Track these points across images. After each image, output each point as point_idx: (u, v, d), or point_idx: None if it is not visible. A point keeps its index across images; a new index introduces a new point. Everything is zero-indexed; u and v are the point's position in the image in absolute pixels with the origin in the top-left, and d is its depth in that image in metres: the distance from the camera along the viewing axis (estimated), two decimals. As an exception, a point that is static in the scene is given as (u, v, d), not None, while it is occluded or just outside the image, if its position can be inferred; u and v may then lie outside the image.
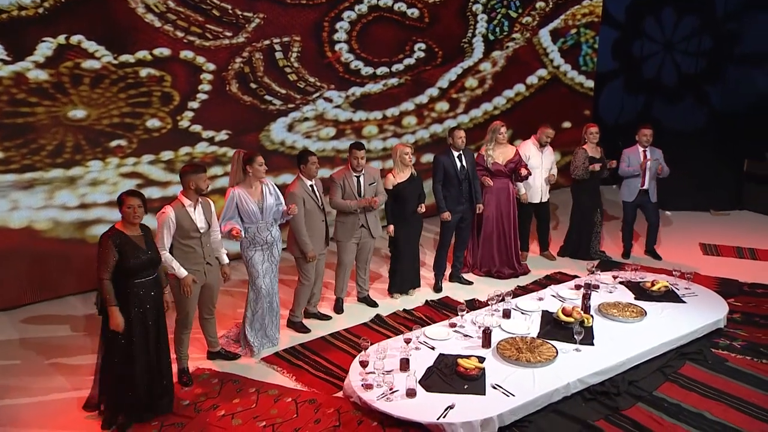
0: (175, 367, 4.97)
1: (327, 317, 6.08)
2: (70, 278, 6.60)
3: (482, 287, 6.73)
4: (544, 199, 7.38)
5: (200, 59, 7.00)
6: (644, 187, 7.28)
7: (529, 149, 7.25)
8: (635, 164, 7.24)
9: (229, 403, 4.68)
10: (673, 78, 11.48)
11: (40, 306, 6.44)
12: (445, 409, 4.29)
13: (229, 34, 7.13)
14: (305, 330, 5.82)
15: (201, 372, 5.12)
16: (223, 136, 7.28)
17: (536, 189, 7.29)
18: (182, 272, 4.72)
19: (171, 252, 4.76)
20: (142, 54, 6.62)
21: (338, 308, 6.25)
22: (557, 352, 4.96)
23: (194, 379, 4.99)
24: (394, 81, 8.49)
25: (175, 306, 4.91)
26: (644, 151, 7.24)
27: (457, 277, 6.94)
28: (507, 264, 7.08)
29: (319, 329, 5.84)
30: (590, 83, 10.67)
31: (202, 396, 4.78)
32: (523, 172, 6.88)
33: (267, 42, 7.40)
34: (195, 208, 4.79)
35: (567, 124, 10.39)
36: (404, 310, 6.24)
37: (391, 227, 6.20)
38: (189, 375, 5.00)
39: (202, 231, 4.81)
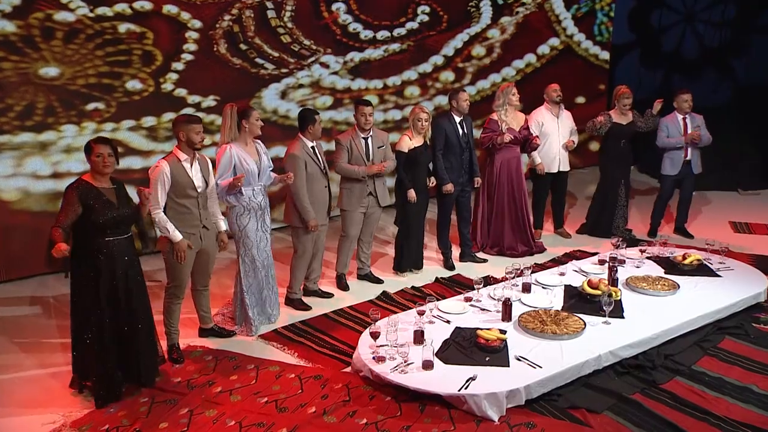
0: (164, 344, 4.90)
1: (329, 294, 6.02)
2: (42, 256, 6.48)
3: (495, 266, 6.70)
4: (563, 169, 7.34)
5: (185, 15, 6.93)
6: (688, 158, 7.24)
7: (542, 115, 7.23)
8: (675, 134, 7.19)
9: (226, 379, 4.61)
10: (695, 50, 11.54)
11: (7, 286, 6.32)
12: (467, 381, 4.25)
13: (216, -12, 7.08)
14: (305, 307, 5.76)
15: (193, 349, 5.05)
16: (210, 101, 7.20)
17: (553, 157, 7.26)
18: (177, 235, 4.63)
19: (165, 212, 4.67)
20: (121, 7, 6.54)
21: (342, 285, 6.19)
22: (585, 325, 4.94)
23: (186, 356, 4.92)
24: (395, 47, 8.46)
25: (167, 273, 4.85)
26: (684, 119, 7.21)
27: (469, 255, 6.89)
28: (521, 241, 7.05)
29: (320, 307, 5.78)
30: (605, 55, 10.69)
31: (196, 373, 4.70)
32: (536, 141, 6.88)
33: (258, -2, 7.35)
34: (192, 165, 4.71)
35: (581, 99, 10.39)
36: (413, 287, 6.20)
37: (412, 192, 6.13)
38: (180, 351, 4.92)
39: (199, 190, 4.74)
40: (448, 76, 9.02)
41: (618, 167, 7.39)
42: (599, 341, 4.77)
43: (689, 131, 7.14)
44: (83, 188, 4.15)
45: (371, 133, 5.94)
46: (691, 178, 7.40)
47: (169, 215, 4.65)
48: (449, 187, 6.43)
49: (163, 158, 4.69)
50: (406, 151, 6.12)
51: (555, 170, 7.29)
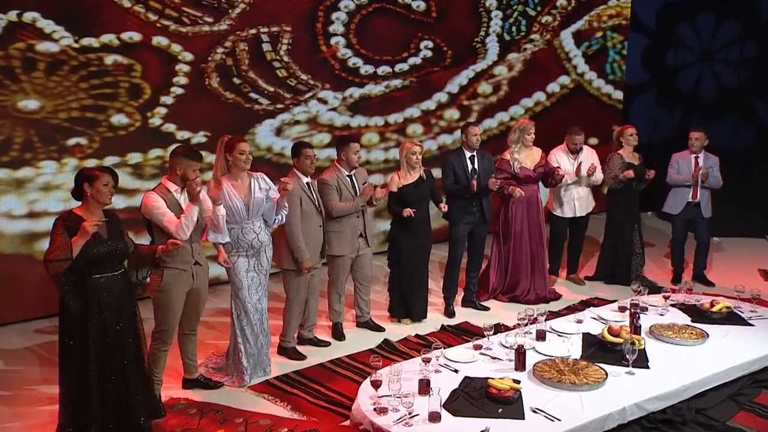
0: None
1: (325, 343, 5.91)
2: (14, 303, 6.36)
3: (505, 313, 6.58)
4: (581, 213, 7.30)
5: (176, 47, 6.98)
6: (695, 200, 7.23)
7: (559, 156, 7.19)
8: (685, 171, 7.21)
9: (211, 433, 4.46)
10: (713, 91, 11.62)
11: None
12: (479, 434, 4.10)
13: (209, 19, 7.14)
14: (300, 357, 5.64)
15: (175, 401, 4.90)
16: (200, 138, 7.19)
17: (569, 202, 7.22)
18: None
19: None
20: (108, 38, 6.59)
21: (338, 335, 6.07)
22: (607, 375, 4.81)
23: (167, 409, 4.77)
24: (397, 83, 8.52)
25: (155, 316, 4.74)
26: (696, 158, 7.22)
27: (470, 301, 6.81)
28: (536, 287, 6.97)
29: (316, 356, 5.66)
30: (619, 94, 10.77)
31: (178, 427, 4.56)
32: (559, 172, 6.80)
33: (253, 31, 7.41)
34: (181, 195, 4.67)
35: (593, 140, 10.37)
36: (416, 335, 6.09)
37: (408, 209, 6.02)
38: (161, 404, 4.76)
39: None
40: (452, 113, 9.05)
41: (629, 210, 7.34)
42: (623, 393, 4.63)
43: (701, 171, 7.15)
44: (70, 220, 4.07)
45: (354, 171, 5.93)
46: (704, 223, 7.36)
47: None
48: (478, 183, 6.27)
49: (151, 191, 4.64)
50: (395, 190, 6.12)
51: (571, 215, 7.25)
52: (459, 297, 6.84)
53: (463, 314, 6.62)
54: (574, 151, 7.19)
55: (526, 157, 6.83)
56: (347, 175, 5.90)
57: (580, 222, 7.37)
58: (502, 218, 6.89)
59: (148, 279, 4.56)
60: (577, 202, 7.24)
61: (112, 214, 4.31)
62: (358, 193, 5.91)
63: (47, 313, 6.12)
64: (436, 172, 8.25)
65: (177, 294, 4.69)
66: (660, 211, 9.92)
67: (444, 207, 6.24)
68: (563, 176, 6.89)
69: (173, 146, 6.96)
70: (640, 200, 7.49)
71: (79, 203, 4.19)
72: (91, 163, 6.62)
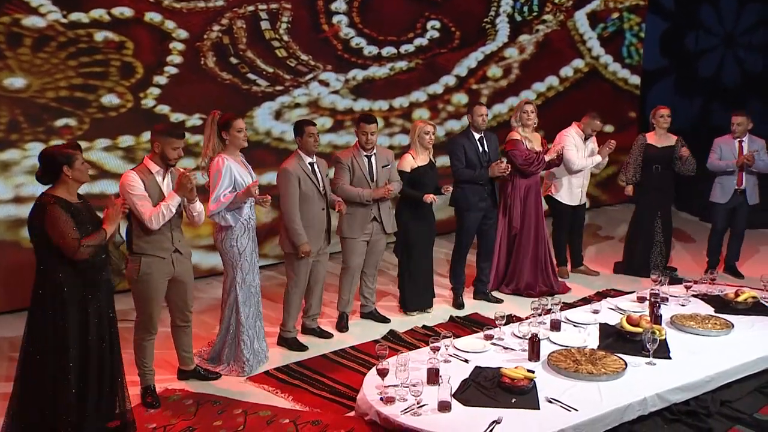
0: (136, 389, 4.75)
1: (328, 334, 5.91)
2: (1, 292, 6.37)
3: (515, 306, 6.58)
4: (581, 202, 7.35)
5: (169, 24, 6.98)
6: (741, 186, 7.22)
7: (574, 139, 7.18)
8: (728, 156, 7.19)
9: (209, 425, 4.47)
10: (736, 77, 11.62)
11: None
12: (491, 424, 4.12)
13: (205, -6, 7.15)
14: (301, 347, 5.63)
15: (171, 393, 4.91)
16: (195, 120, 7.19)
17: (576, 189, 7.24)
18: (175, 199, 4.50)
19: (129, 232, 4.59)
20: (98, 13, 6.58)
21: (341, 326, 6.07)
22: (626, 365, 4.81)
23: (162, 400, 4.76)
24: (402, 65, 8.52)
25: (135, 304, 4.72)
26: (740, 142, 7.21)
27: (483, 293, 6.80)
28: (541, 279, 6.97)
29: (318, 348, 5.66)
30: (636, 79, 10.77)
31: (173, 418, 4.56)
32: (552, 153, 6.80)
33: (251, 8, 7.41)
34: (164, 178, 4.63)
35: (609, 128, 10.38)
36: (424, 326, 6.10)
37: (430, 195, 6.01)
38: (155, 395, 4.77)
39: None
40: (460, 98, 9.04)
41: (651, 196, 7.34)
42: (643, 383, 4.65)
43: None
44: (60, 202, 3.99)
45: (375, 152, 5.93)
46: (745, 210, 7.35)
47: (134, 234, 4.55)
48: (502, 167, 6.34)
49: (132, 170, 4.61)
50: (409, 170, 6.12)
51: (578, 203, 7.30)
52: (469, 289, 6.83)
53: (472, 306, 6.62)
54: (588, 135, 7.19)
55: (530, 138, 6.85)
56: (365, 156, 5.90)
57: (579, 212, 7.40)
58: (500, 208, 6.88)
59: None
60: (580, 190, 7.27)
61: (82, 195, 4.25)
62: (374, 176, 5.90)
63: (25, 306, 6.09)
64: (443, 159, 8.30)
65: (157, 283, 4.63)
66: (679, 202, 9.94)
67: (448, 189, 6.22)
68: (559, 157, 6.89)
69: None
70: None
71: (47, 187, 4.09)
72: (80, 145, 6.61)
